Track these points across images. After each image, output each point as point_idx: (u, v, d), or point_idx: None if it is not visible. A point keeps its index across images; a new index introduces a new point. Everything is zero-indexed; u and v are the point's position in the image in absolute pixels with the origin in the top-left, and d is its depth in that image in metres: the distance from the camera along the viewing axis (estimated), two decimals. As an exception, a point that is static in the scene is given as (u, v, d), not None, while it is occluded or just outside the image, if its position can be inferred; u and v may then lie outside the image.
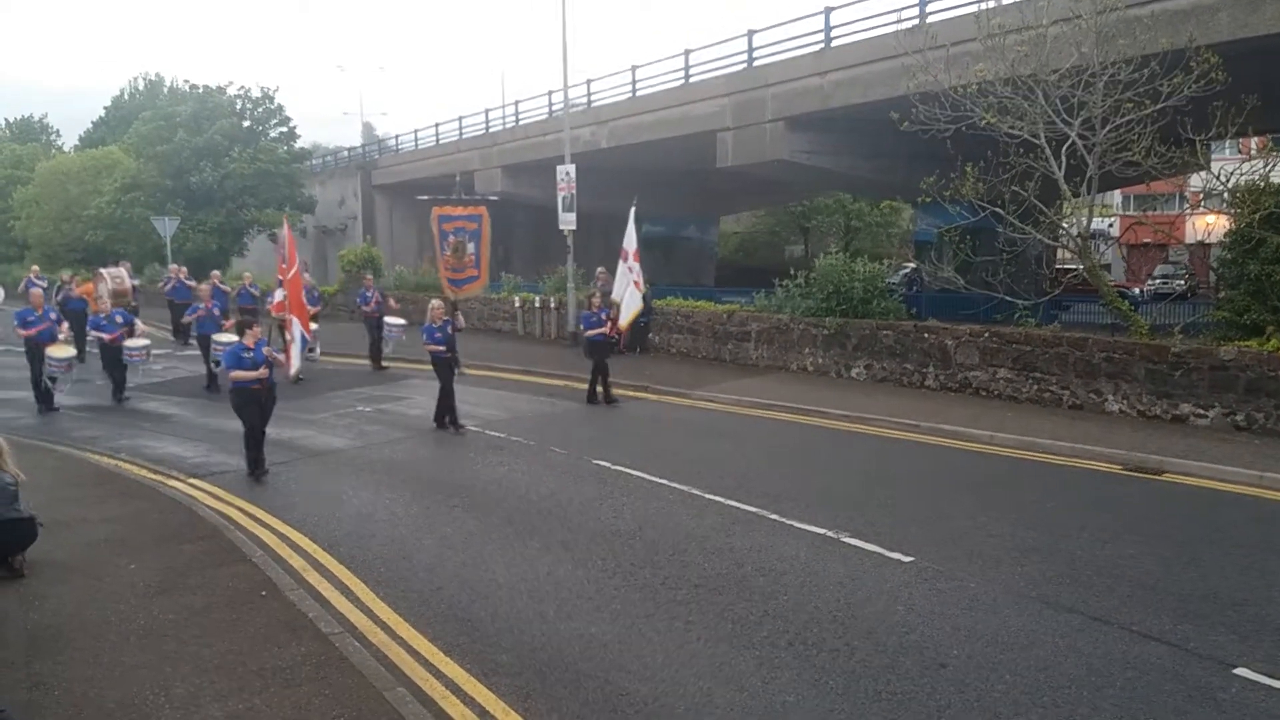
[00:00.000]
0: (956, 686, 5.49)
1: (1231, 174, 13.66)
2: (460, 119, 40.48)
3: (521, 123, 35.92)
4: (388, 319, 18.81)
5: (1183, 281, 32.57)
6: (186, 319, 17.79)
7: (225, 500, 9.72)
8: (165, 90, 51.92)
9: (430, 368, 13.69)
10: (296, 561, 7.79)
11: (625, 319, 15.71)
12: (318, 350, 19.52)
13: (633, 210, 16.13)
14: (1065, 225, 15.43)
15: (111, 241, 40.59)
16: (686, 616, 6.56)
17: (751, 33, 25.12)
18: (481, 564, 7.68)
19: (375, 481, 10.40)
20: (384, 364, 19.02)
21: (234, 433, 13.10)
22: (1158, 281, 33.91)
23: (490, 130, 37.98)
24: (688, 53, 27.45)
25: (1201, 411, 12.06)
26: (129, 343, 15.49)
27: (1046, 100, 13.67)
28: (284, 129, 43.23)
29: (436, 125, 42.66)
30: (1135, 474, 10.27)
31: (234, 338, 16.02)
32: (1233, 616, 6.38)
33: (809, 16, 23.37)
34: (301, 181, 43.26)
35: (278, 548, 8.15)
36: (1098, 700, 5.30)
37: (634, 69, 29.67)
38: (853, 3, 22.18)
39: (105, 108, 58.64)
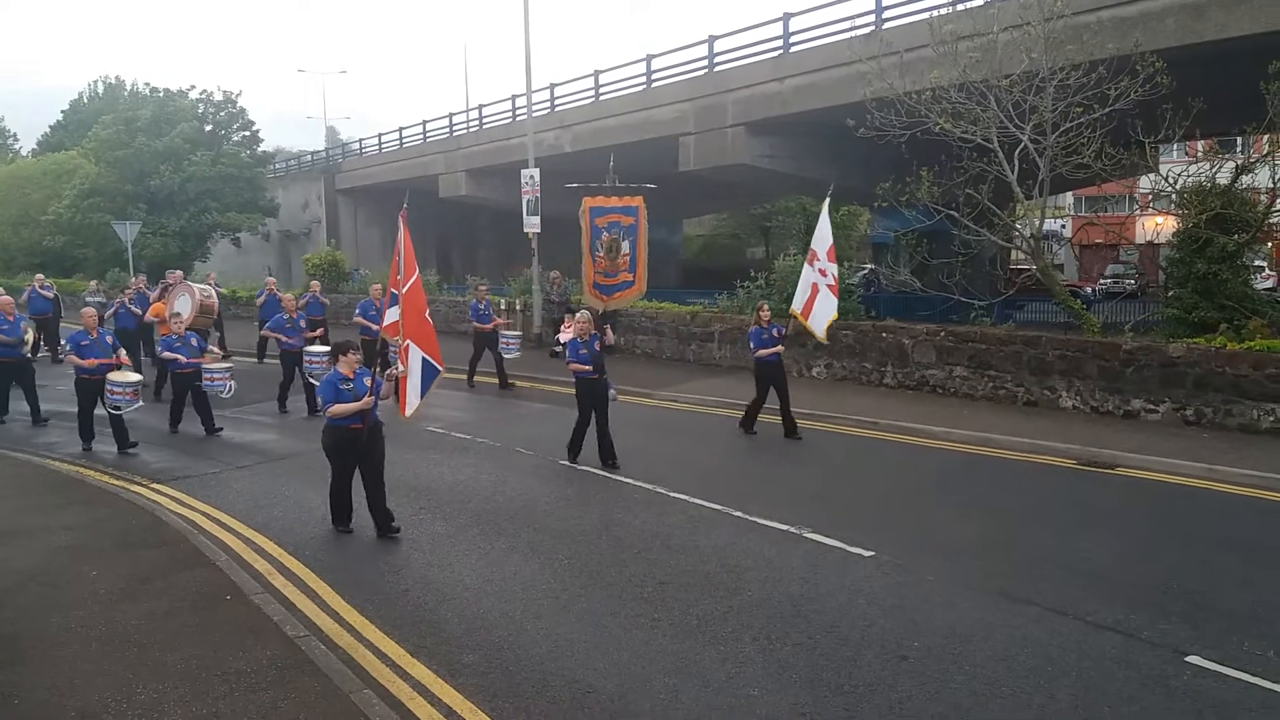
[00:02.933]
0: (917, 678, 5.61)
1: (1179, 176, 14.06)
2: (424, 123, 40.34)
3: (485, 126, 35.84)
4: (503, 333, 17.24)
5: (1133, 280, 33.21)
6: (266, 332, 15.50)
7: (189, 505, 9.62)
8: (125, 93, 51.00)
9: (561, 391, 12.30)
10: (261, 565, 7.74)
11: (821, 329, 12.45)
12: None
13: (827, 200, 12.85)
14: (1018, 227, 15.76)
15: (71, 246, 39.99)
16: (652, 614, 6.63)
17: (712, 38, 25.30)
18: (448, 565, 7.70)
19: (340, 485, 10.34)
20: (511, 382, 17.04)
21: (197, 437, 12.97)
22: (1109, 281, 34.52)
23: (454, 134, 37.87)
24: (650, 58, 27.58)
25: (1152, 407, 12.36)
26: (209, 365, 13.40)
27: (999, 105, 13.95)
28: (246, 133, 42.81)
29: (400, 129, 42.49)
30: (1089, 468, 10.52)
31: (325, 347, 13.94)
32: (1184, 606, 6.56)
33: (768, 23, 23.63)
34: (264, 185, 42.83)
35: (242, 552, 8.09)
36: (1054, 689, 5.43)
37: (597, 74, 29.76)
38: (811, 9, 22.45)
39: (64, 111, 57.62)
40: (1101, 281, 34.73)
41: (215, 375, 13.34)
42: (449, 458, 11.55)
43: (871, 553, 7.72)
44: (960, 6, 17.18)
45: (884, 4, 20.38)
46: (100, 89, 56.31)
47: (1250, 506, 9.01)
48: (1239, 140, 20.38)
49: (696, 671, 5.75)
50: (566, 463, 10.99)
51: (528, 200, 21.34)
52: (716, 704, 5.37)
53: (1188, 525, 8.43)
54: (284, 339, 14.75)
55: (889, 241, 24.58)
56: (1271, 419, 11.33)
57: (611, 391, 11.03)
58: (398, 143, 42.39)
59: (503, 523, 8.82)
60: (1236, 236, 12.94)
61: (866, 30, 20.17)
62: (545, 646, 6.13)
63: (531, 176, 21.36)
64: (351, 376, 8.41)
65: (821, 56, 21.46)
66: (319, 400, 8.72)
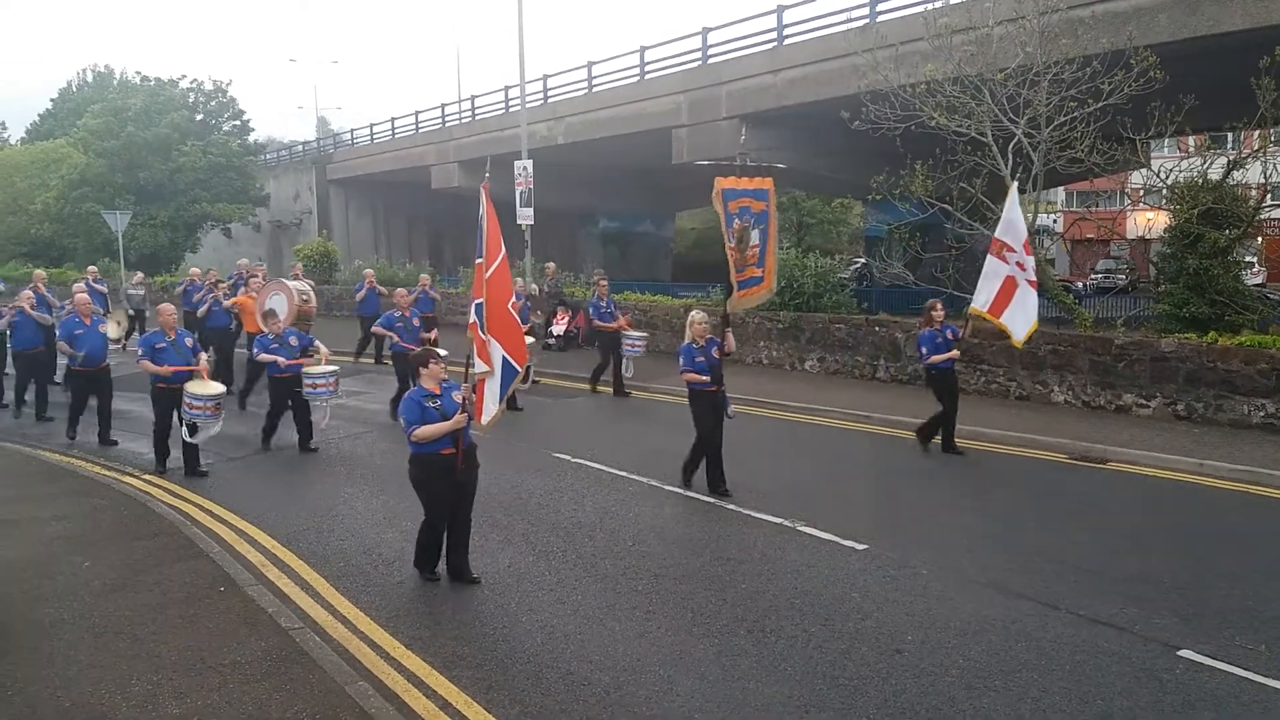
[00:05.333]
0: (912, 671, 5.63)
1: (1171, 171, 14.11)
2: (416, 114, 40.17)
3: (478, 118, 35.70)
4: (626, 334, 15.15)
5: (1124, 276, 33.33)
6: (378, 329, 13.72)
7: (181, 496, 9.59)
8: (115, 82, 50.74)
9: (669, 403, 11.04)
10: (255, 557, 7.73)
11: (1023, 333, 10.78)
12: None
13: (1014, 187, 11.30)
14: (1012, 221, 15.76)
15: (60, 236, 39.93)
16: (647, 606, 6.64)
17: (706, 30, 25.28)
18: (441, 558, 7.67)
19: (334, 476, 10.33)
20: (626, 390, 15.20)
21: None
22: (1100, 276, 34.62)
23: (447, 125, 37.69)
24: (643, 49, 27.52)
25: (1143, 402, 12.42)
26: (311, 369, 11.42)
27: (993, 99, 13.97)
28: (237, 122, 42.69)
29: (392, 120, 42.29)
30: (1081, 463, 10.55)
31: (441, 351, 12.67)
32: (1176, 600, 6.59)
33: (762, 15, 23.66)
34: (255, 175, 42.70)
35: (235, 543, 8.07)
36: (1047, 683, 5.45)
37: (590, 65, 29.67)
38: (805, 1, 22.46)
39: (52, 100, 57.32)
40: (1093, 276, 34.82)
41: (318, 381, 11.32)
42: (442, 450, 11.51)
43: (865, 546, 7.74)
44: (955, 0, 17.19)
45: (879, -3, 20.40)
46: (90, 78, 56.01)
47: (1240, 501, 9.06)
48: (1230, 136, 20.45)
49: (691, 664, 5.76)
50: (679, 489, 9.61)
51: (520, 192, 21.28)
52: (711, 696, 5.38)
53: (1179, 519, 8.47)
54: (396, 338, 12.88)
55: (882, 235, 24.66)
56: (1262, 414, 11.39)
57: (730, 408, 9.57)
58: (389, 133, 42.20)
59: (498, 515, 8.81)
60: (1228, 232, 13.01)
61: (861, 23, 20.17)
62: (540, 639, 6.13)
63: (524, 168, 21.30)
64: (438, 391, 7.07)
65: (816, 49, 21.46)
66: (401, 422, 7.18)
